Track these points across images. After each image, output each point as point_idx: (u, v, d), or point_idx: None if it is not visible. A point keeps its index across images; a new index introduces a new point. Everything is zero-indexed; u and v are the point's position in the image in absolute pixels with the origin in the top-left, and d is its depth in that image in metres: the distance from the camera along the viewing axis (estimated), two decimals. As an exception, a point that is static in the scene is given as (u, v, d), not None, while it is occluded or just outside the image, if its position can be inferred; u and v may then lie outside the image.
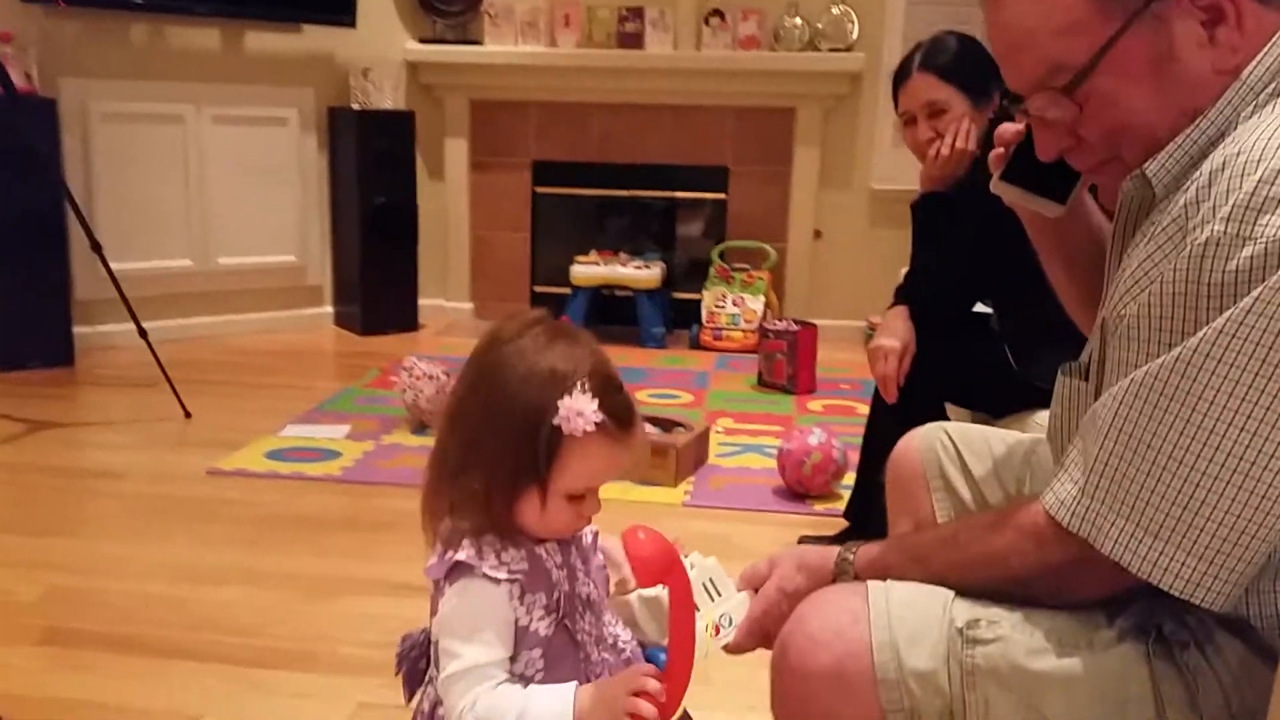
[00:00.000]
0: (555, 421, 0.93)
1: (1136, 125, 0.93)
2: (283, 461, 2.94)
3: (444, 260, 4.81)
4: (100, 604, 2.11)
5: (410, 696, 1.06)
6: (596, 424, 0.93)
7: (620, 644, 1.06)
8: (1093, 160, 1.00)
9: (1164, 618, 0.92)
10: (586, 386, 0.93)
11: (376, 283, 4.50)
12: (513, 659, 0.97)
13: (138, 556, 2.33)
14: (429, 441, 1.03)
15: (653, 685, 0.92)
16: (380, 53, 4.50)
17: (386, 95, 4.49)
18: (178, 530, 2.49)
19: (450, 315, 4.85)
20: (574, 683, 0.96)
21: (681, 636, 0.95)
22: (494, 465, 0.95)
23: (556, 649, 0.99)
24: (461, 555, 0.96)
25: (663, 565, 0.92)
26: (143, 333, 3.28)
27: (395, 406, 3.35)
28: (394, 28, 4.60)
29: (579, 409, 0.93)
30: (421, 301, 4.67)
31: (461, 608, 0.96)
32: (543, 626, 0.98)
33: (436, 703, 1.00)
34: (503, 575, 0.95)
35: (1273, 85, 0.89)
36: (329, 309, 4.71)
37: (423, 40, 4.59)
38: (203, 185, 4.22)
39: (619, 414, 0.96)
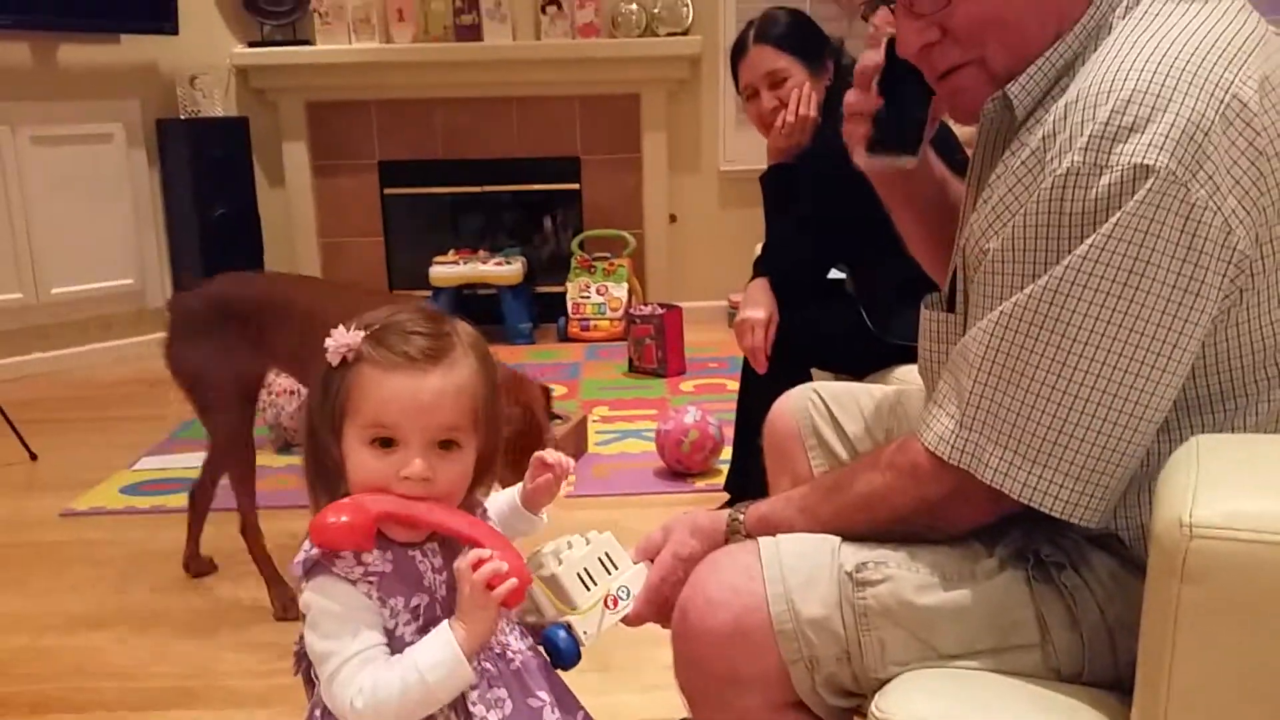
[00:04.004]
0: (332, 363, 0.94)
1: (1009, 19, 0.93)
2: (140, 496, 2.80)
3: (293, 270, 4.64)
4: (-43, 664, 1.97)
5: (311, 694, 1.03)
6: (359, 350, 0.93)
7: (510, 653, 0.99)
8: (952, 61, 0.97)
9: (1040, 542, 0.96)
10: (354, 326, 0.94)
11: (224, 300, 4.32)
12: None
13: (-6, 609, 2.20)
14: (296, 460, 1.00)
15: (473, 555, 0.91)
16: (207, 59, 4.32)
17: (216, 102, 4.31)
18: (36, 578, 2.34)
19: (307, 328, 4.70)
20: (443, 621, 0.93)
21: (458, 526, 0.95)
22: (311, 444, 0.97)
23: None
24: (316, 551, 0.93)
25: (361, 533, 0.91)
26: (-27, 373, 3.08)
27: (256, 426, 3.22)
28: (219, 32, 4.41)
29: (338, 339, 0.94)
30: (275, 316, 4.51)
31: (322, 607, 0.92)
32: (409, 632, 0.94)
33: (325, 710, 0.95)
34: (356, 575, 0.92)
35: (1122, 6, 0.92)
36: (176, 332, 4.50)
37: (251, 44, 4.41)
38: (27, 212, 3.95)
39: (391, 345, 0.93)
